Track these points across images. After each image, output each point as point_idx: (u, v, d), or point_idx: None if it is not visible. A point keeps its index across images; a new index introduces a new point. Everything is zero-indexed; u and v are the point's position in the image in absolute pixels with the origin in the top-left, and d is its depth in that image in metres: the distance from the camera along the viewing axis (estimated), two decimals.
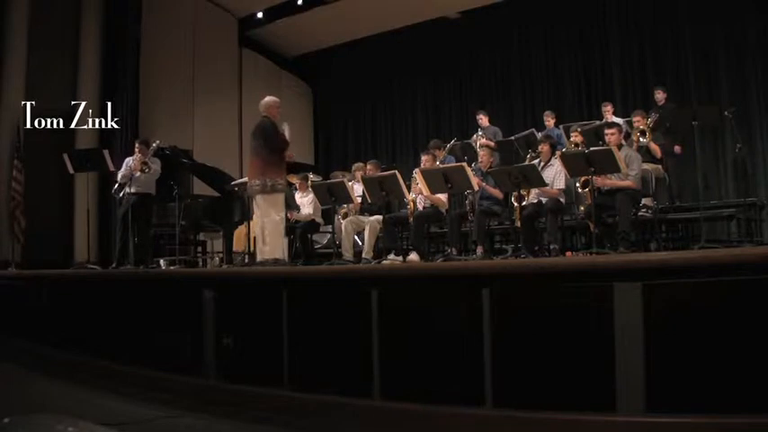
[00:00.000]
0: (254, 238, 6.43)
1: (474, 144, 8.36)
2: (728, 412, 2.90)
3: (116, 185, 7.48)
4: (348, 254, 6.90)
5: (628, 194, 5.71)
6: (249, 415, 4.13)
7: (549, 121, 8.73)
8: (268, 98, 6.42)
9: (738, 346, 2.96)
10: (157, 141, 7.65)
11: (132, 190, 7.28)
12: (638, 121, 6.97)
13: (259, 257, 6.06)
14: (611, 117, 8.05)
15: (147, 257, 7.47)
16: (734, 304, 3.00)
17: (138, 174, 7.21)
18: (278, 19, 11.99)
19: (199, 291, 4.70)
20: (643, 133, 6.72)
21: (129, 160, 7.42)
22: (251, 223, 6.99)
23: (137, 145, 7.45)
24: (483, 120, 8.97)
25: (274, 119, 6.24)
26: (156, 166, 7.36)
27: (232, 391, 4.37)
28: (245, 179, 7.27)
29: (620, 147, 5.93)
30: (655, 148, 6.80)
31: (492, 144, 7.68)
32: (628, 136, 7.18)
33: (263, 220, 6.06)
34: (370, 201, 6.35)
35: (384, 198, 6.12)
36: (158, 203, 7.80)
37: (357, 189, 7.03)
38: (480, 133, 8.80)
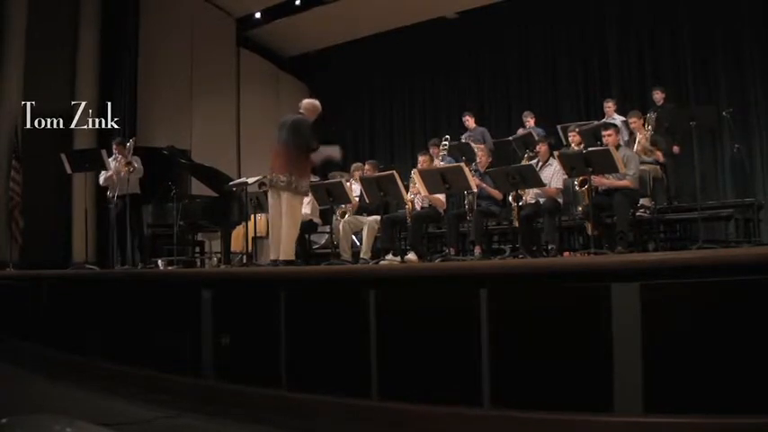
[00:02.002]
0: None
1: (470, 143, 8.35)
2: (727, 413, 2.90)
3: (113, 191, 7.48)
4: (346, 254, 6.90)
5: (626, 195, 5.73)
6: (247, 415, 4.13)
7: (530, 121, 8.76)
8: (313, 100, 6.45)
9: (736, 347, 2.97)
10: (133, 138, 7.65)
11: (119, 193, 7.28)
12: (634, 121, 6.99)
13: (272, 255, 6.01)
14: (612, 114, 8.06)
15: (145, 257, 7.47)
16: (732, 304, 3.00)
17: (123, 174, 7.20)
18: (276, 19, 11.98)
19: (197, 291, 4.70)
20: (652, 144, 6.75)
21: (110, 161, 7.39)
22: (253, 221, 6.99)
23: (114, 145, 7.46)
24: (469, 121, 8.99)
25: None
26: (138, 164, 7.37)
27: (230, 391, 4.37)
28: (244, 179, 7.27)
29: (617, 147, 5.95)
30: (659, 154, 6.82)
31: (482, 147, 7.63)
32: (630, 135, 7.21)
33: (287, 219, 5.92)
34: (368, 201, 6.35)
35: (382, 198, 6.12)
36: (156, 203, 7.80)
37: (355, 189, 7.03)
38: (466, 134, 8.82)
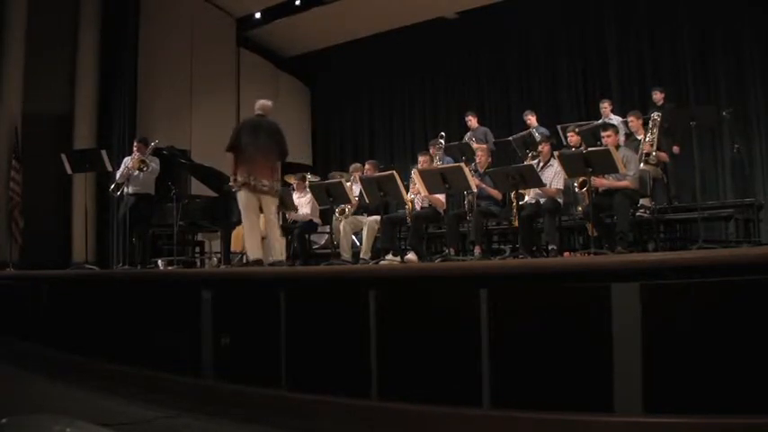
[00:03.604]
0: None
1: (471, 143, 8.35)
2: (726, 413, 2.90)
3: (113, 185, 7.49)
4: (346, 254, 6.90)
5: (626, 195, 5.73)
6: (247, 415, 4.13)
7: (531, 119, 8.74)
8: (268, 101, 6.51)
9: (736, 347, 2.97)
10: (156, 141, 7.68)
11: (131, 190, 7.31)
12: (633, 121, 6.99)
13: (255, 256, 6.10)
14: (608, 114, 8.07)
15: (146, 258, 7.48)
16: (732, 305, 3.00)
17: (137, 173, 7.22)
18: (276, 19, 11.97)
19: (197, 291, 4.70)
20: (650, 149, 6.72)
21: (127, 160, 7.44)
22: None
23: (135, 144, 7.50)
24: (472, 121, 8.96)
25: None
26: (154, 164, 7.38)
27: (230, 391, 4.37)
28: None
29: (617, 147, 5.95)
30: (663, 156, 6.81)
31: (483, 147, 7.63)
32: (628, 136, 7.20)
33: (274, 221, 6.22)
34: (367, 201, 6.36)
35: (382, 198, 6.13)
36: (156, 203, 7.81)
37: (355, 189, 7.03)
38: (469, 134, 8.82)
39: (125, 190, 7.41)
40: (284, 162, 6.44)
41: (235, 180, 6.14)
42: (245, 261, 6.28)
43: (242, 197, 6.17)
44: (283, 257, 6.20)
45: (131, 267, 7.02)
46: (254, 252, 6.08)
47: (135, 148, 7.43)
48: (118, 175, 7.43)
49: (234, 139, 6.22)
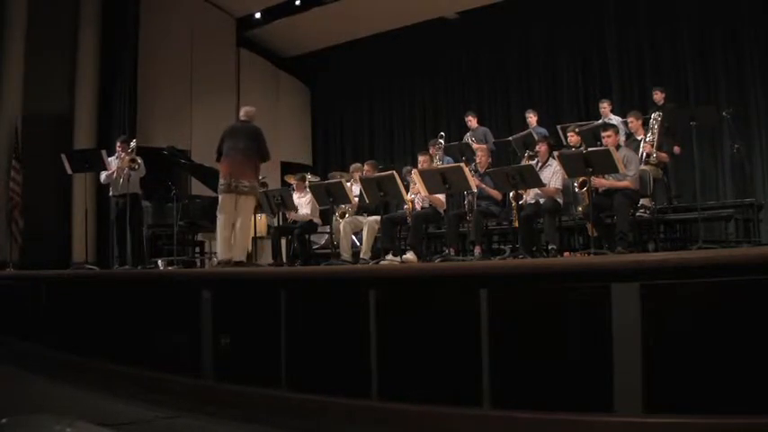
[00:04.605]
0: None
1: (471, 143, 8.35)
2: (727, 413, 2.90)
3: (115, 189, 7.46)
4: (346, 254, 6.90)
5: (626, 195, 5.73)
6: (247, 415, 4.13)
7: (532, 118, 8.74)
8: (252, 107, 6.84)
9: (736, 347, 2.97)
10: (134, 140, 7.59)
11: (120, 191, 7.26)
12: (633, 121, 6.98)
13: (223, 256, 6.30)
14: (608, 114, 8.06)
15: (144, 257, 7.47)
16: (731, 305, 3.00)
17: (126, 172, 7.16)
18: (276, 19, 11.98)
19: (197, 291, 4.70)
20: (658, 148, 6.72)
21: (111, 160, 7.35)
22: (253, 221, 7.03)
23: (118, 144, 7.42)
24: (472, 121, 8.95)
25: None
26: (142, 164, 7.35)
27: (230, 391, 4.37)
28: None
29: (618, 147, 5.95)
30: (663, 157, 6.80)
31: (483, 147, 7.62)
32: (628, 137, 7.20)
33: (245, 221, 6.46)
34: (367, 201, 6.38)
35: (382, 198, 6.13)
36: (156, 203, 7.79)
37: (355, 190, 7.03)
38: (469, 134, 8.81)
39: (112, 191, 7.36)
40: (264, 163, 6.72)
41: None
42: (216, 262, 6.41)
43: (221, 199, 6.45)
44: (243, 258, 6.38)
45: (131, 267, 7.02)
46: (223, 252, 6.32)
47: (119, 148, 7.35)
48: (103, 176, 7.34)
49: (219, 147, 6.53)
